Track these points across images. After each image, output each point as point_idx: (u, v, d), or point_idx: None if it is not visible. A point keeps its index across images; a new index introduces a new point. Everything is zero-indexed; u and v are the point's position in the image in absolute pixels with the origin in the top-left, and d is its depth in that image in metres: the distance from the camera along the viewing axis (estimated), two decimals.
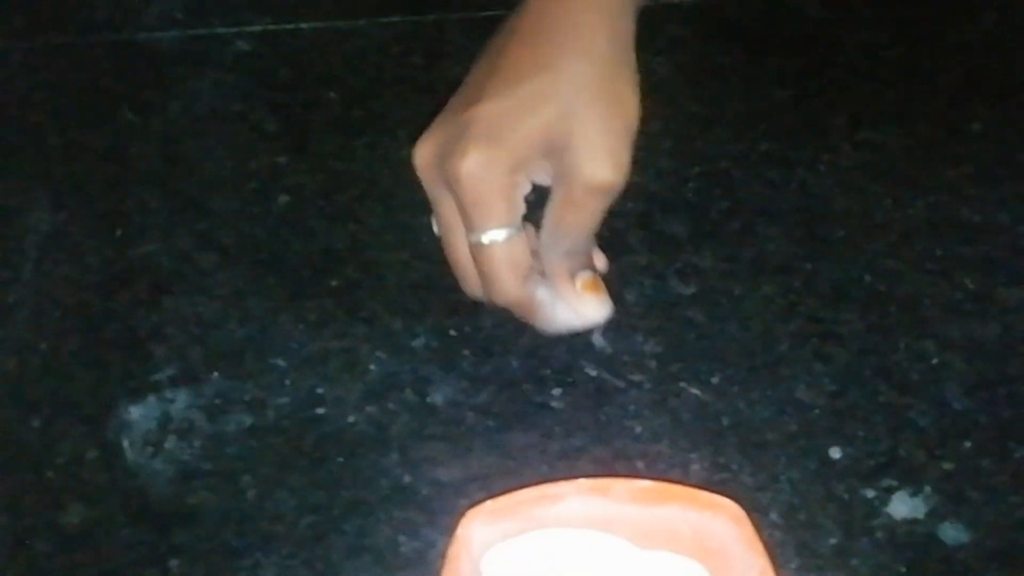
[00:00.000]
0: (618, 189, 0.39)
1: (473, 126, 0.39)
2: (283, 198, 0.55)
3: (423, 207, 0.55)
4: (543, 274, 0.42)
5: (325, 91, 0.60)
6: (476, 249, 0.41)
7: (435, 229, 0.43)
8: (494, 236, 0.40)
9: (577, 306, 0.41)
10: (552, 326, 0.43)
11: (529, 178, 0.40)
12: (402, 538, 0.43)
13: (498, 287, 0.41)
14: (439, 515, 0.44)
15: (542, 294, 0.42)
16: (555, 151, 0.39)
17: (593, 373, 0.48)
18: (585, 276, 0.41)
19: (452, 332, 0.50)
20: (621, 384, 0.48)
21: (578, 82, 0.38)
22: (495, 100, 0.39)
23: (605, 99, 0.39)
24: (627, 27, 0.40)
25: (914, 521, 0.43)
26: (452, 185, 0.39)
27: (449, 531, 0.36)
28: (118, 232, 0.54)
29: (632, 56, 0.40)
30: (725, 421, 0.46)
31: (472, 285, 0.42)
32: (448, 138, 0.40)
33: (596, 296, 0.41)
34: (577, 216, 0.40)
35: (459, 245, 0.42)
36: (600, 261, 0.44)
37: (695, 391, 0.47)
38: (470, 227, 0.40)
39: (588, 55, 0.39)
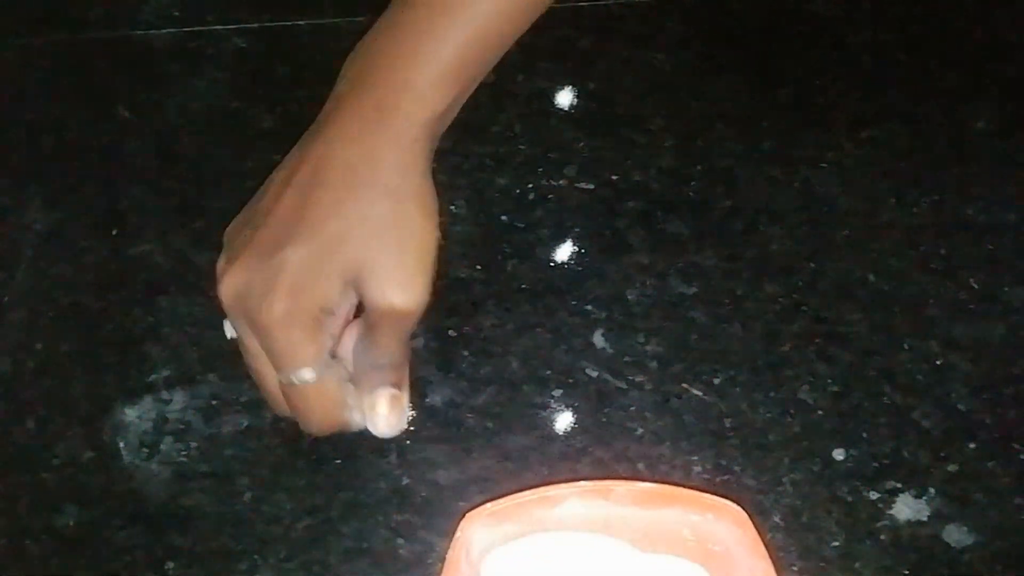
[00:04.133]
0: (415, 313, 0.42)
1: (280, 275, 0.41)
2: None
3: None
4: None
5: (323, 88, 0.59)
6: (287, 388, 0.42)
7: (228, 334, 0.44)
8: (303, 376, 0.41)
9: (369, 418, 0.43)
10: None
11: (335, 312, 0.42)
12: (400, 541, 0.43)
13: (311, 421, 0.43)
14: (438, 518, 0.43)
15: (356, 417, 0.43)
16: (356, 284, 0.42)
17: (594, 374, 0.48)
18: (386, 392, 0.43)
19: (451, 332, 0.49)
20: (622, 385, 0.47)
21: (372, 220, 0.41)
22: (301, 245, 0.41)
23: (398, 232, 0.42)
24: (421, 156, 0.43)
25: (918, 523, 0.43)
26: (259, 332, 0.41)
27: (448, 534, 0.36)
28: (113, 231, 0.54)
29: (426, 183, 0.43)
30: (727, 422, 0.46)
31: (282, 408, 0.44)
32: (255, 279, 0.41)
33: (390, 414, 0.43)
34: (381, 338, 0.42)
35: (268, 375, 0.43)
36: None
37: (697, 392, 0.47)
38: (279, 368, 0.42)
39: (383, 191, 0.42)
